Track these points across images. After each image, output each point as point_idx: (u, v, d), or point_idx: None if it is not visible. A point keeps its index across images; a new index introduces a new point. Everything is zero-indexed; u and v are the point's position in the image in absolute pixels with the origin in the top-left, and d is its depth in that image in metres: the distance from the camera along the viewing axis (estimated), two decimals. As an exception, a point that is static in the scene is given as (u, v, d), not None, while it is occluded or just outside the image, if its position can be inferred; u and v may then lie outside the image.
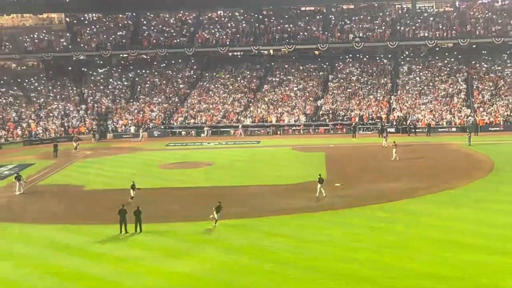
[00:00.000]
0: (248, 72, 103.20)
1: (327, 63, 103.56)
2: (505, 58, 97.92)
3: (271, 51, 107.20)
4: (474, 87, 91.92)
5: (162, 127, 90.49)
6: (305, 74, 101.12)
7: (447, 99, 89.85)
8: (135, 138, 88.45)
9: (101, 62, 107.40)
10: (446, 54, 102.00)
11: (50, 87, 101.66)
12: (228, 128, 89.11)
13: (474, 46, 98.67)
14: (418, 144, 74.32)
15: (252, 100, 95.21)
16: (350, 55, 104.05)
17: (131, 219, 42.92)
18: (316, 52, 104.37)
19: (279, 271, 34.77)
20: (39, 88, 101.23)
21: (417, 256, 36.56)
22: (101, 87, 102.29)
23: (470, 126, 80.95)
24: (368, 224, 43.15)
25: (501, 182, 54.65)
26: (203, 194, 53.82)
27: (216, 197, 52.40)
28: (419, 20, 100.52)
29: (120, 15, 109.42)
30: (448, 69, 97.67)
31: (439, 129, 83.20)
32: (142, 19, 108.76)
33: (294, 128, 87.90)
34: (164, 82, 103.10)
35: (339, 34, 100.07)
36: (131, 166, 69.57)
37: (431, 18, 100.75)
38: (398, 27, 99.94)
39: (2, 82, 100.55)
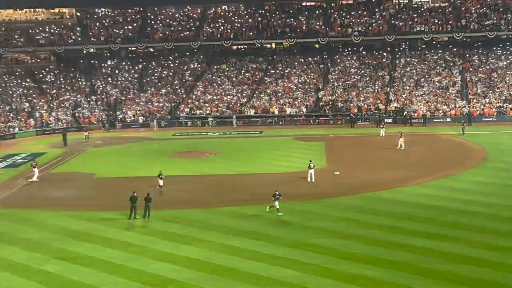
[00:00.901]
0: (251, 65, 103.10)
1: (327, 56, 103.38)
2: (498, 51, 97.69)
3: (273, 45, 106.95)
4: (468, 79, 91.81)
5: (169, 118, 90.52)
6: (306, 66, 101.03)
7: (442, 90, 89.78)
8: (143, 128, 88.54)
9: (110, 54, 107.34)
10: (441, 47, 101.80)
11: (61, 79, 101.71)
12: (230, 119, 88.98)
13: (468, 40, 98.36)
14: (414, 134, 74.32)
15: (255, 92, 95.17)
16: (349, 49, 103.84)
17: (140, 206, 43.14)
18: (317, 46, 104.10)
19: (282, 256, 34.98)
20: (51, 80, 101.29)
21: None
22: (110, 79, 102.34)
23: (464, 117, 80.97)
24: (371, 209, 43.34)
25: (492, 169, 54.79)
26: (208, 181, 53.98)
27: (220, 184, 52.75)
28: (415, 15, 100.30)
29: (129, 10, 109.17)
30: (443, 62, 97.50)
31: (434, 120, 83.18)
32: (150, 14, 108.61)
33: (295, 118, 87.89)
34: (171, 74, 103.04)
35: (339, 28, 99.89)
36: (139, 155, 69.74)
37: (427, 13, 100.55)
38: (395, 22, 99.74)
39: (16, 74, 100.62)
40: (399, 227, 38.91)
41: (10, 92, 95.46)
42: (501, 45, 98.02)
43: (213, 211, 45.12)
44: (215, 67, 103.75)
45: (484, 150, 63.77)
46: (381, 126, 75.99)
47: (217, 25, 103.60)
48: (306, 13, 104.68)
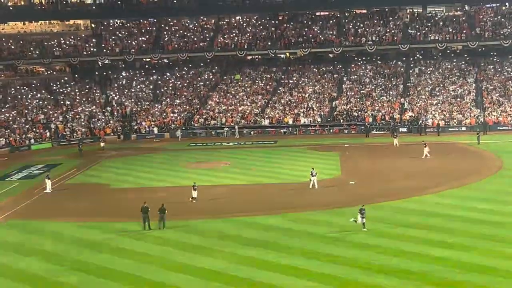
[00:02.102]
0: (265, 75, 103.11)
1: (341, 66, 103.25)
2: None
3: (287, 55, 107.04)
4: (483, 88, 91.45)
5: (184, 128, 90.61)
6: (320, 76, 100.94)
7: (457, 99, 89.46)
8: (158, 138, 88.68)
9: (125, 66, 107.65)
10: (456, 56, 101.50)
11: (76, 90, 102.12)
12: (246, 128, 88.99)
13: (482, 48, 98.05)
14: (429, 144, 74.06)
15: (269, 102, 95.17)
16: (363, 58, 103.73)
17: (154, 216, 43.14)
18: (331, 55, 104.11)
19: (296, 266, 34.90)
20: (66, 91, 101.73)
21: (423, 248, 36.60)
22: (125, 90, 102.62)
23: (479, 126, 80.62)
24: (382, 218, 43.16)
25: (509, 179, 54.39)
26: (222, 191, 54.01)
27: (234, 194, 52.59)
28: (430, 24, 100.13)
29: (143, 21, 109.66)
30: (458, 71, 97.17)
31: (449, 129, 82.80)
32: (164, 25, 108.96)
33: (309, 128, 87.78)
34: (185, 85, 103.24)
35: (352, 38, 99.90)
36: (154, 165, 69.82)
37: (441, 22, 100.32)
38: (410, 31, 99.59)
39: (31, 85, 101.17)
40: (414, 236, 38.79)
41: (26, 103, 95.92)
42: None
43: (228, 221, 45.10)
44: (229, 77, 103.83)
45: (500, 159, 63.43)
46: (395, 135, 75.74)
47: (231, 35, 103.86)
48: (320, 22, 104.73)
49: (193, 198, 50.61)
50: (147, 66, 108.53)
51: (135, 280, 34.00)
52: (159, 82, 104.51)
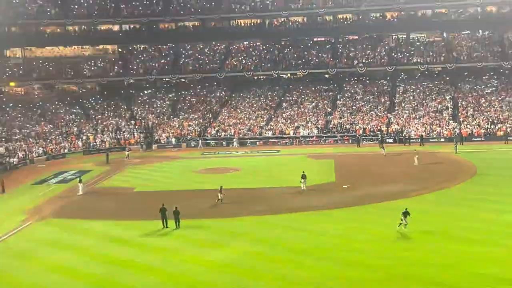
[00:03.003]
0: (269, 93, 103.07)
1: (335, 85, 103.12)
2: (485, 79, 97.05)
3: (289, 75, 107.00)
4: (459, 104, 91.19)
5: (198, 139, 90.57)
6: (317, 94, 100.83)
7: (437, 114, 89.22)
8: (175, 148, 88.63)
9: (147, 85, 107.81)
10: (435, 76, 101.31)
11: (105, 106, 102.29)
12: (253, 139, 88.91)
13: (459, 69, 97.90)
14: (412, 152, 73.74)
15: (273, 116, 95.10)
16: (355, 78, 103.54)
17: (171, 216, 43.04)
18: (326, 76, 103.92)
19: (296, 260, 34.77)
20: (96, 107, 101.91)
21: (412, 246, 36.40)
22: (147, 106, 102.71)
23: (456, 137, 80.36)
24: (373, 219, 43.00)
25: (481, 184, 54.29)
26: (232, 195, 53.84)
27: (242, 196, 52.47)
28: (412, 48, 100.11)
29: (163, 46, 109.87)
30: (437, 89, 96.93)
31: (430, 140, 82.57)
32: (181, 49, 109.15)
33: (308, 139, 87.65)
34: (200, 101, 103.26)
35: (345, 60, 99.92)
36: (172, 171, 69.84)
37: (423, 47, 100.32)
38: (395, 54, 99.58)
39: (66, 102, 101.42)
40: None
41: (61, 117, 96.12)
42: (487, 74, 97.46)
43: (236, 220, 44.99)
44: (238, 94, 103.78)
45: (475, 166, 63.18)
46: (382, 146, 75.54)
47: (240, 58, 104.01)
48: (317, 47, 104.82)
49: (220, 199, 50.22)
50: (166, 85, 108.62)
51: (154, 271, 34.01)
52: (177, 99, 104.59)
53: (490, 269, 31.94)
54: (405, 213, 39.05)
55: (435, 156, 70.34)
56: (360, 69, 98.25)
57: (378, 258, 34.43)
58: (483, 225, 39.72)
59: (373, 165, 67.64)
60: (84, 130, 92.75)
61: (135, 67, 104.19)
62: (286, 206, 48.60)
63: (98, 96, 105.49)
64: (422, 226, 40.24)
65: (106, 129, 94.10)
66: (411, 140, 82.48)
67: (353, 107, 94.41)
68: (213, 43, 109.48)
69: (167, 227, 42.81)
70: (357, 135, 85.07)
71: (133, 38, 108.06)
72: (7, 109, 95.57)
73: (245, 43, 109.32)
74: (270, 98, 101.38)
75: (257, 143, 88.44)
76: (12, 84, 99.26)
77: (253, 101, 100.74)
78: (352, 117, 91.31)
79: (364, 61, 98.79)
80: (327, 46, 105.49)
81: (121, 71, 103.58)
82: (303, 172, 55.21)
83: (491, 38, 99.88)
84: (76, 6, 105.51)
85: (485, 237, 37.18)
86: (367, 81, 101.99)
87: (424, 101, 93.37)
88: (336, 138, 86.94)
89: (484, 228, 38.50)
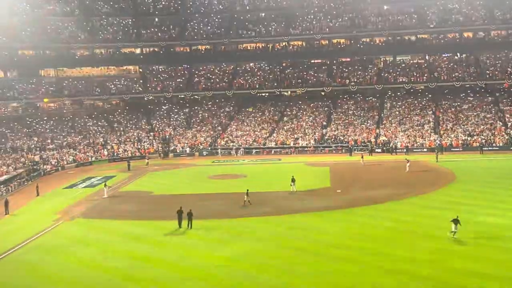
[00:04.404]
0: (272, 108, 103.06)
1: (330, 101, 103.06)
2: (463, 96, 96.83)
3: (289, 92, 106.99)
4: (440, 118, 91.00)
5: (209, 148, 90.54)
6: (314, 109, 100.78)
7: (419, 127, 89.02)
8: (189, 157, 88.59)
9: (165, 101, 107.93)
10: (419, 94, 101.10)
11: (127, 119, 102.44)
12: (257, 149, 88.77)
13: (439, 88, 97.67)
14: (399, 161, 73.57)
15: (275, 129, 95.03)
16: (347, 95, 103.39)
17: (186, 218, 42.94)
18: (322, 93, 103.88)
19: (296, 256, 34.67)
20: (119, 120, 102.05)
21: (397, 245, 36.24)
22: (165, 119, 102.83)
23: (437, 147, 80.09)
24: (362, 221, 42.84)
25: (459, 189, 54.00)
26: (240, 198, 53.72)
27: (250, 200, 52.29)
28: (398, 69, 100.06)
29: (179, 67, 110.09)
30: (420, 105, 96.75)
31: (414, 150, 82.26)
32: (194, 70, 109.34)
33: (306, 149, 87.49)
34: (211, 115, 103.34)
35: (339, 80, 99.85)
36: (186, 177, 69.75)
37: (407, 68, 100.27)
38: (383, 74, 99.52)
39: (93, 116, 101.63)
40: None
41: (89, 129, 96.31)
42: (465, 92, 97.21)
43: (244, 220, 44.89)
44: (245, 110, 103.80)
45: (453, 173, 62.94)
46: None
47: (246, 78, 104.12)
48: (314, 68, 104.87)
49: (248, 201, 49.77)
50: (181, 101, 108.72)
51: (171, 265, 33.96)
52: (191, 113, 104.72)
53: (467, 264, 31.87)
54: (455, 221, 36.95)
55: (418, 165, 70.13)
56: (352, 87, 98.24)
57: (366, 254, 34.35)
58: (460, 226, 39.47)
59: (364, 172, 67.41)
60: (109, 141, 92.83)
61: (154, 85, 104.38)
62: (287, 208, 48.52)
63: (121, 111, 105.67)
64: (406, 227, 40.13)
65: (128, 139, 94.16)
66: (397, 150, 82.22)
67: (346, 121, 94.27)
68: (223, 64, 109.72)
69: (180, 227, 42.73)
70: (349, 146, 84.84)
71: (152, 59, 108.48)
72: (42, 122, 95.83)
73: (251, 64, 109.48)
74: (272, 113, 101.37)
75: (264, 152, 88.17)
76: (46, 100, 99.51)
77: (258, 116, 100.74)
78: (345, 129, 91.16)
79: (355, 80, 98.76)
80: (323, 67, 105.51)
81: (141, 88, 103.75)
82: (293, 176, 56.05)
83: (468, 60, 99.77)
84: (103, 32, 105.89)
85: (462, 236, 36.98)
86: (358, 98, 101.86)
87: (408, 116, 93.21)
88: (331, 148, 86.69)
89: (461, 228, 38.23)
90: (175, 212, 43.05)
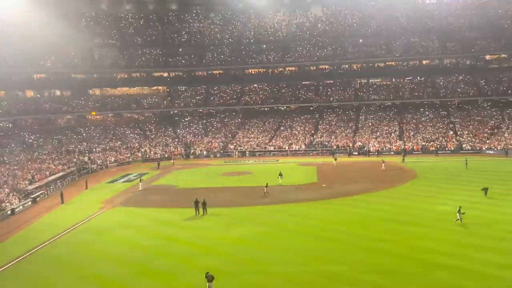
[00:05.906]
0: (271, 120, 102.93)
1: (317, 115, 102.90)
2: (422, 111, 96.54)
3: (285, 107, 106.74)
4: (404, 128, 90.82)
5: (222, 151, 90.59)
6: (305, 120, 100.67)
7: (388, 135, 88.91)
8: (206, 158, 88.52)
9: (187, 114, 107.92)
10: (387, 109, 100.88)
11: (157, 128, 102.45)
12: (259, 152, 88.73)
13: (403, 104, 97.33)
14: (371, 162, 73.57)
15: (274, 136, 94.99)
16: (331, 110, 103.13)
17: (201, 206, 43.01)
18: (311, 108, 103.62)
19: (290, 237, 34.66)
20: (151, 129, 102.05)
21: (370, 227, 36.21)
22: (187, 128, 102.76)
23: (402, 151, 79.96)
24: (342, 209, 42.84)
25: (420, 184, 53.95)
26: (246, 190, 53.85)
27: (253, 192, 52.27)
28: (371, 89, 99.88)
29: (198, 87, 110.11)
30: (388, 118, 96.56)
31: (384, 153, 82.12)
32: (210, 90, 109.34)
33: (298, 152, 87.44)
34: (223, 125, 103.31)
35: (324, 97, 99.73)
36: (204, 174, 69.82)
37: (378, 88, 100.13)
38: (359, 93, 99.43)
39: (130, 126, 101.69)
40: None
41: (127, 136, 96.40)
42: (423, 108, 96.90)
43: (249, 208, 44.92)
44: (250, 121, 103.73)
45: (415, 171, 62.87)
46: (334, 157, 74.57)
47: (251, 96, 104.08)
48: (305, 88, 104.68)
49: (267, 192, 49.71)
50: (200, 114, 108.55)
51: (191, 244, 34.07)
52: (207, 123, 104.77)
53: (426, 243, 31.83)
54: (459, 211, 36.07)
55: (388, 164, 70.12)
56: (335, 104, 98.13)
57: (345, 235, 34.38)
58: (422, 213, 39.51)
59: (344, 170, 67.33)
60: (143, 145, 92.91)
61: (178, 102, 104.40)
62: (283, 198, 48.53)
63: (153, 122, 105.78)
64: (378, 214, 40.11)
65: (158, 144, 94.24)
66: (370, 153, 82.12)
67: (330, 130, 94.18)
68: (233, 85, 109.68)
69: (198, 213, 42.82)
70: (332, 150, 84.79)
71: (177, 81, 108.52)
72: (89, 131, 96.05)
73: (255, 85, 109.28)
74: (272, 124, 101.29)
75: (265, 154, 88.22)
76: (93, 113, 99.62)
77: (260, 126, 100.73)
78: (329, 136, 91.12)
79: (337, 98, 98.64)
80: (312, 87, 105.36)
81: (169, 104, 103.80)
82: (280, 171, 58.07)
83: (426, 82, 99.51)
84: (138, 60, 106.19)
85: (423, 221, 37.00)
86: (340, 112, 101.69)
87: (379, 126, 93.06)
88: (317, 151, 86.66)
89: (422, 215, 38.27)
90: (193, 202, 43.18)
